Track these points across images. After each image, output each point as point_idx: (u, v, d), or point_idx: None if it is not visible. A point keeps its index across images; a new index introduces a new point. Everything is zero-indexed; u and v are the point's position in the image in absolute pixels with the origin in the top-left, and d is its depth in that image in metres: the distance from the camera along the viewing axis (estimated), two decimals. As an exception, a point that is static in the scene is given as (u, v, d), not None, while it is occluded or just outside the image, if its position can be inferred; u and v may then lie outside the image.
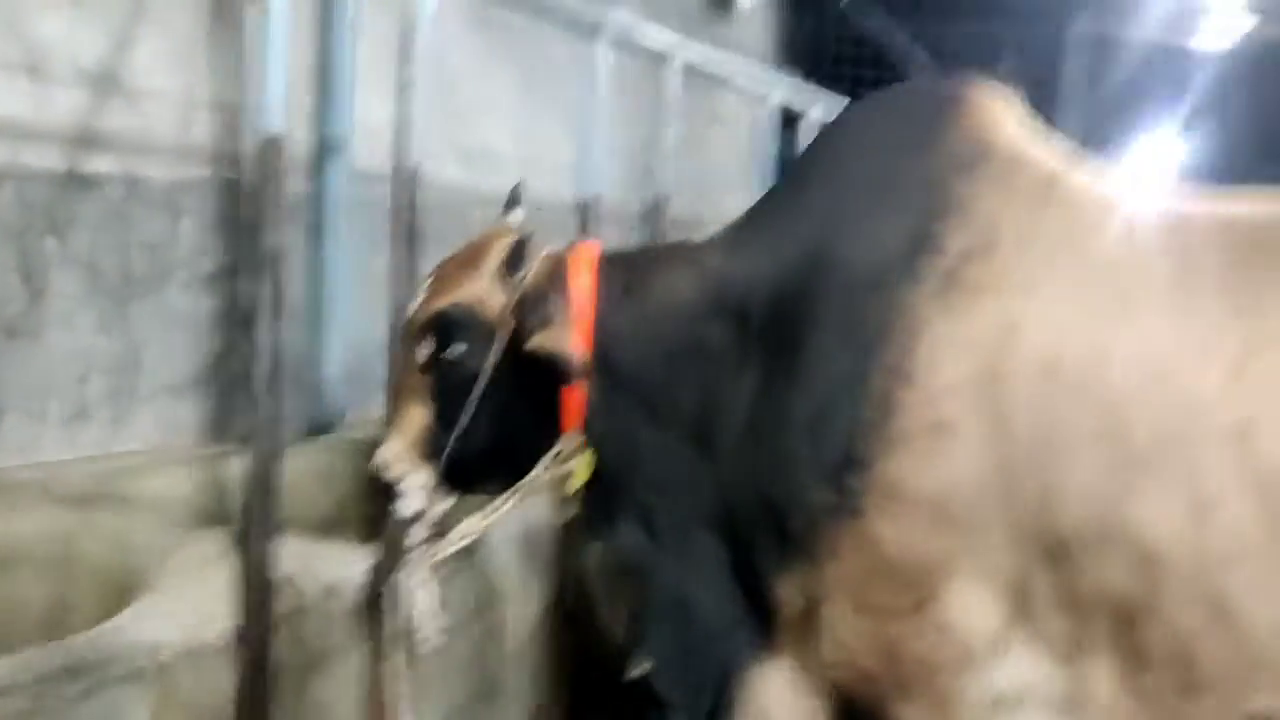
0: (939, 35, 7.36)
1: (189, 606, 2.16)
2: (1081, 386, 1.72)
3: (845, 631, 1.90)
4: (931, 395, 1.79)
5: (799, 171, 2.17)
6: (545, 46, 5.10)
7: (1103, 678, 1.76)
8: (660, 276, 2.13)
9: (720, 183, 5.92)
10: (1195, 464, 1.64)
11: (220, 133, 3.58)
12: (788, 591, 1.99)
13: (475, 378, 2.09)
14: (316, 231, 3.78)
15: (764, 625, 2.08)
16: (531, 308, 2.04)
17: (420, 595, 2.22)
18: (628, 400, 2.12)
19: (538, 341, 2.01)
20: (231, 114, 3.61)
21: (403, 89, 2.29)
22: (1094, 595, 1.72)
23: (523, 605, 2.88)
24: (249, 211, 3.74)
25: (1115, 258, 1.80)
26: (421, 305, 2.16)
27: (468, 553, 2.41)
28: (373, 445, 3.20)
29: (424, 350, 2.13)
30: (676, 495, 2.14)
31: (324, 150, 3.68)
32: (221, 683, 2.15)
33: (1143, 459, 1.67)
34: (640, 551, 2.21)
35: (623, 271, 2.16)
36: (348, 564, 2.44)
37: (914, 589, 1.82)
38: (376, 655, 2.34)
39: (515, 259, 2.06)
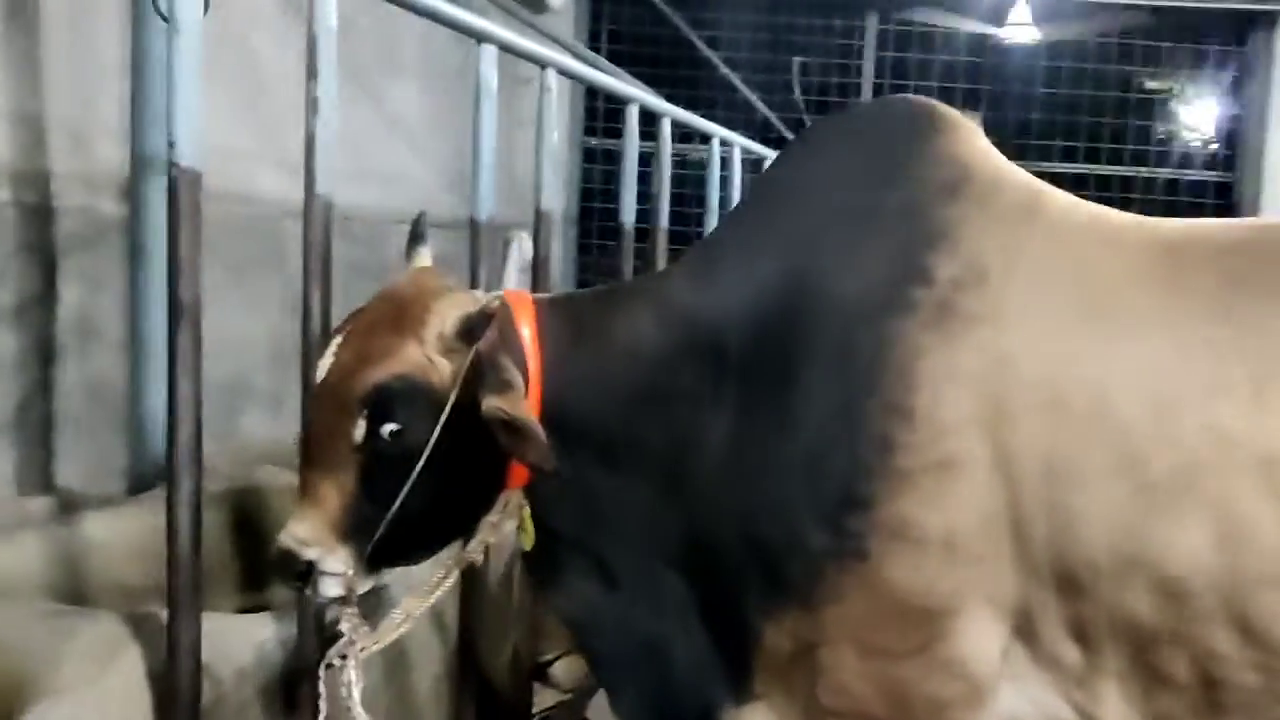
0: (737, 28, 7.48)
1: (95, 709, 1.88)
2: (1089, 419, 1.70)
3: (848, 675, 1.82)
4: (935, 433, 1.73)
5: (765, 195, 2.06)
6: (376, 49, 4.83)
7: (1113, 701, 1.76)
8: (617, 319, 1.98)
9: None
10: (1222, 493, 1.65)
11: (19, 150, 3.19)
12: (775, 635, 1.89)
13: (414, 452, 1.84)
14: (134, 256, 3.41)
15: (739, 668, 2.00)
16: (486, 373, 1.83)
17: (356, 683, 2.00)
18: (584, 451, 1.95)
19: (494, 407, 1.79)
20: (33, 129, 3.21)
21: (311, 105, 2.05)
22: (1111, 623, 1.71)
23: (430, 664, 2.68)
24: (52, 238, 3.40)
25: (1109, 283, 1.79)
26: (345, 371, 1.87)
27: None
28: (229, 497, 2.93)
29: (357, 425, 1.85)
30: (639, 540, 2.00)
31: (140, 168, 3.31)
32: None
33: (1162, 490, 1.67)
34: (597, 604, 2.07)
35: (567, 319, 1.99)
36: (253, 643, 2.20)
37: (923, 629, 1.77)
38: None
39: (477, 327, 1.82)
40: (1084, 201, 1.96)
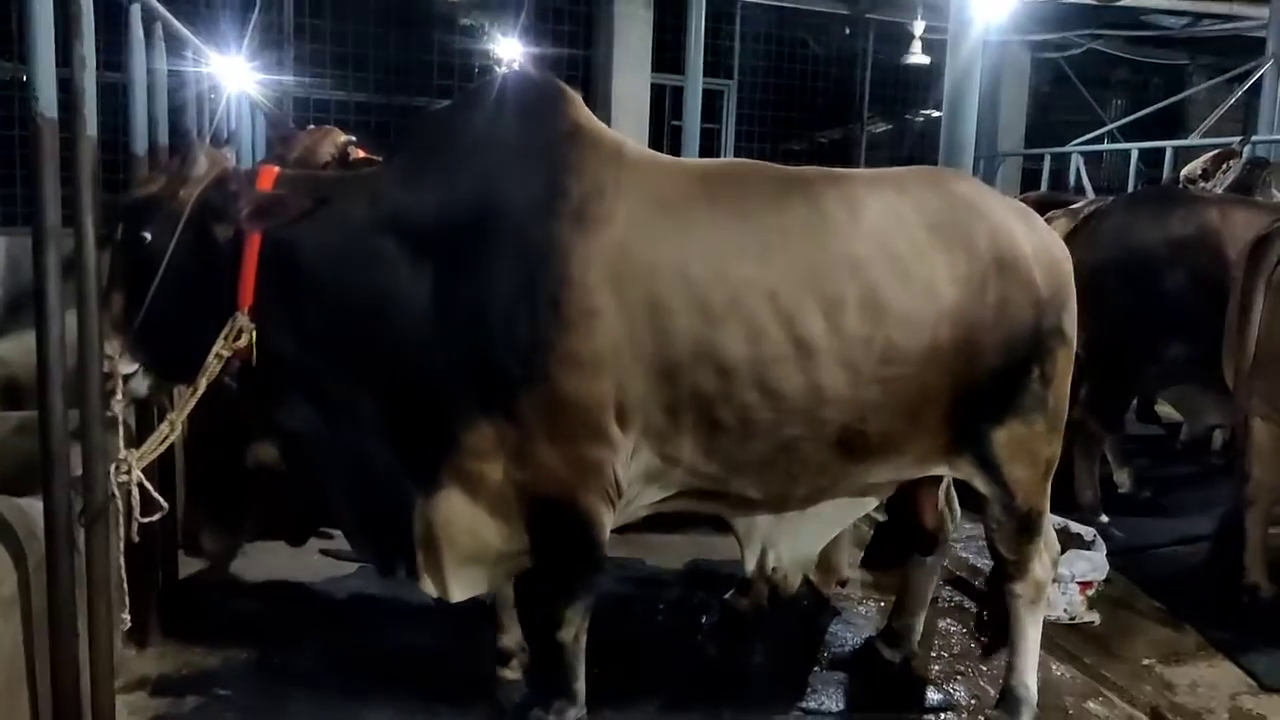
0: None
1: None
2: (673, 278, 2.77)
3: (545, 456, 2.78)
4: (584, 294, 2.72)
5: (448, 132, 2.90)
6: None
7: (686, 447, 2.88)
8: (337, 194, 2.80)
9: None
10: (748, 313, 2.79)
11: None
12: (477, 440, 2.78)
13: (161, 254, 2.69)
14: None
15: (429, 468, 2.85)
16: (217, 191, 2.73)
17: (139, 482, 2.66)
18: (302, 290, 2.76)
19: (255, 199, 2.70)
20: None
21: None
22: (690, 398, 2.81)
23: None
24: None
25: (673, 198, 2.87)
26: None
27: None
28: None
29: (119, 235, 2.71)
30: (347, 371, 2.81)
31: None
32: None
33: (717, 315, 2.78)
34: (313, 419, 2.87)
35: (299, 186, 2.80)
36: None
37: (585, 418, 2.77)
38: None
39: (184, 157, 2.73)
40: (644, 148, 3.05)
